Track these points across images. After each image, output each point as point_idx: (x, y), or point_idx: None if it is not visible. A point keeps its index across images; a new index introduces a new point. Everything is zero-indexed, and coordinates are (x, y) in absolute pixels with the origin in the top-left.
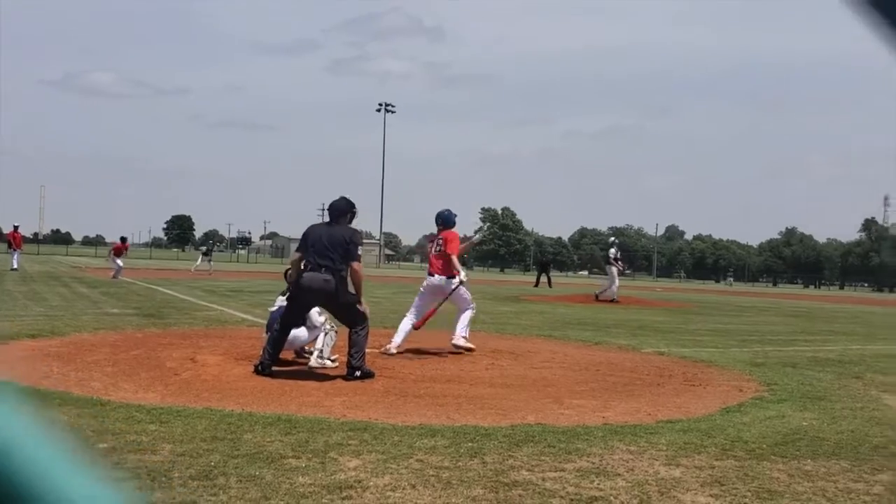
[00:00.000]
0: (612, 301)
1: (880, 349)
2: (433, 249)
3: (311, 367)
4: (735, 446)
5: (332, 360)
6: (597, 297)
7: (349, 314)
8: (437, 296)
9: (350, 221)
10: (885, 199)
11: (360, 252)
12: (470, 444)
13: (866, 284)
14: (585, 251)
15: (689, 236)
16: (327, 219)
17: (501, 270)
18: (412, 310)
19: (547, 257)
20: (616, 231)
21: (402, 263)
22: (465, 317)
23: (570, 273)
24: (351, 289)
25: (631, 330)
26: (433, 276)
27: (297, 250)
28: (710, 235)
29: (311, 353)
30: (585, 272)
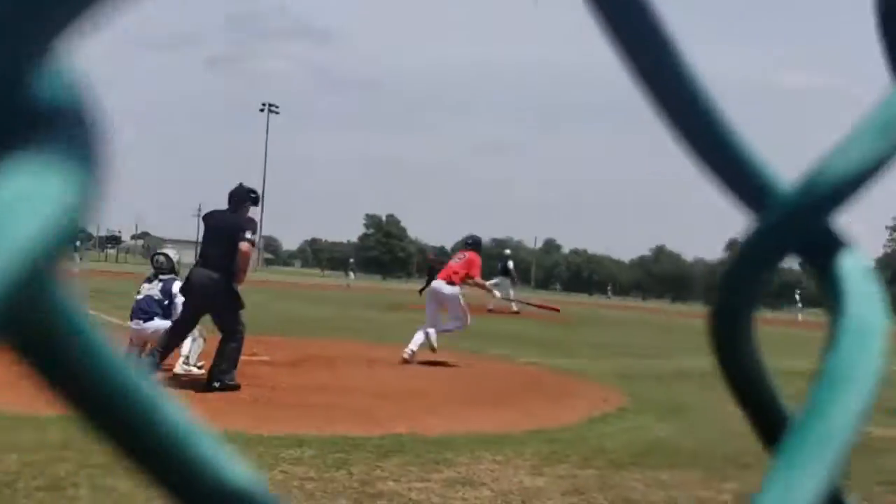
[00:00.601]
0: (514, 312)
1: None
2: (455, 259)
3: (175, 374)
4: (597, 456)
5: (199, 367)
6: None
7: (226, 320)
8: (439, 300)
9: (249, 210)
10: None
11: (250, 236)
12: (338, 454)
13: None
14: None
15: (566, 250)
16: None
17: (383, 278)
18: (427, 319)
19: (436, 264)
20: (498, 242)
21: (282, 268)
22: (448, 326)
23: None
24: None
25: (506, 340)
26: (436, 280)
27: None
28: (585, 250)
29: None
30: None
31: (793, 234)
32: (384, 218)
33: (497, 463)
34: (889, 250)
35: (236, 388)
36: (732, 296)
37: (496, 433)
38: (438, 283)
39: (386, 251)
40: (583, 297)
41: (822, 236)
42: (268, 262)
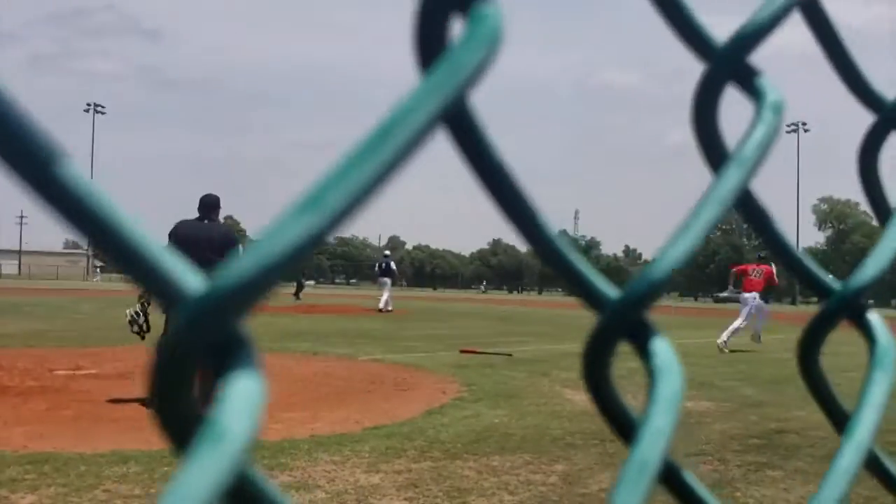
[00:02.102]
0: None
1: (566, 348)
2: (752, 274)
3: None
4: (433, 447)
5: None
6: (385, 309)
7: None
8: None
9: (218, 217)
10: (576, 213)
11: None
12: (166, 468)
13: (560, 290)
14: (312, 261)
15: (409, 246)
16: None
17: None
18: (742, 320)
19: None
20: (341, 241)
21: (113, 276)
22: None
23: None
24: None
25: (350, 338)
26: (750, 293)
27: None
28: (427, 245)
29: None
30: (313, 282)
31: (619, 328)
32: (222, 220)
33: (334, 463)
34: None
35: None
36: (592, 363)
37: (335, 433)
38: (752, 295)
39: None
40: (427, 291)
41: (641, 324)
42: (103, 270)
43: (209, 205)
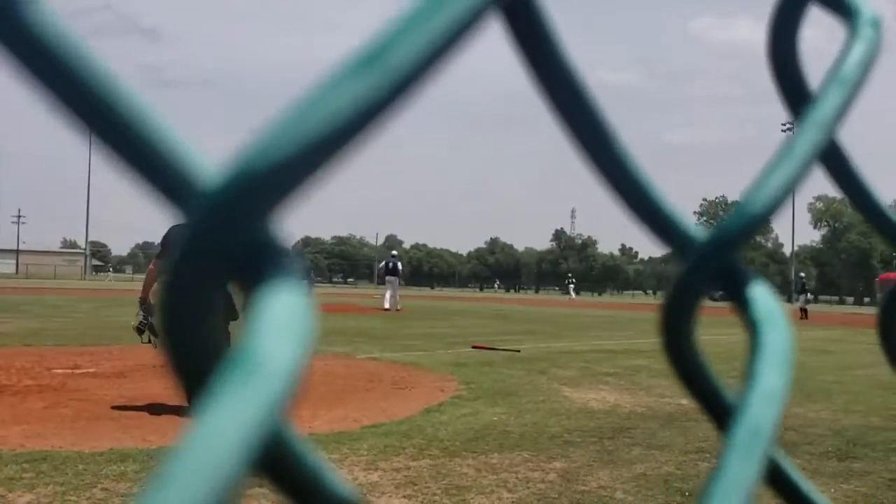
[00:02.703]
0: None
1: (563, 346)
2: None
3: None
4: (431, 445)
5: None
6: (394, 309)
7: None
8: None
9: None
10: (573, 211)
11: None
12: None
13: (557, 288)
14: (309, 260)
15: (407, 245)
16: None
17: None
18: None
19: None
20: (339, 240)
21: (111, 275)
22: None
23: None
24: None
25: (348, 337)
26: None
27: (159, 257)
28: (425, 245)
29: None
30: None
31: (708, 270)
32: None
33: (332, 461)
34: None
35: None
36: (672, 317)
37: (333, 431)
38: None
39: None
40: (425, 290)
41: (733, 270)
42: (97, 269)
43: None
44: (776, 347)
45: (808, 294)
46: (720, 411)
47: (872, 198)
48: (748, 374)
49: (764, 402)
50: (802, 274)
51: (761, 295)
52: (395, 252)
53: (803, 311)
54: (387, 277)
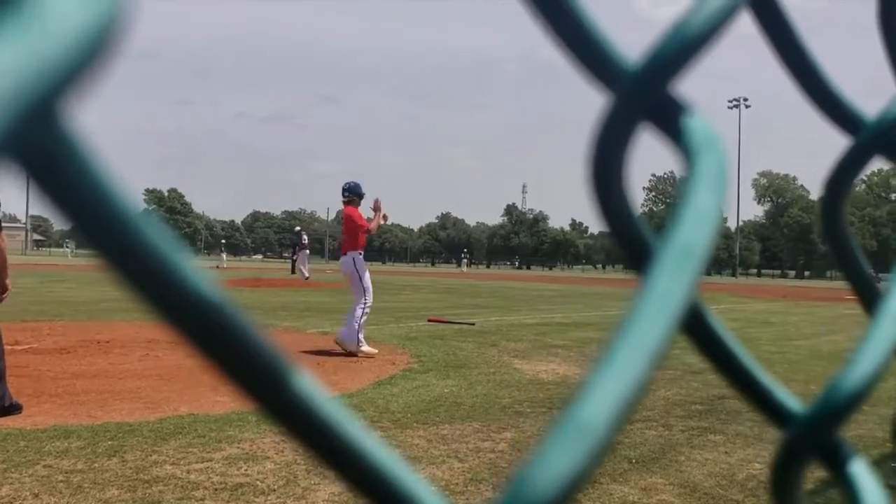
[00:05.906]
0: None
1: (514, 319)
2: None
3: None
4: (383, 417)
5: None
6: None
7: None
8: None
9: None
10: (524, 186)
11: None
12: (110, 442)
13: (508, 263)
14: (259, 234)
15: None
16: None
17: None
18: None
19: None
20: (289, 215)
21: (52, 250)
22: None
23: (243, 257)
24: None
25: (298, 312)
26: None
27: None
28: None
29: None
30: (260, 256)
31: (641, 101)
32: (166, 193)
33: (283, 435)
34: (646, 209)
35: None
36: (605, 149)
37: None
38: None
39: (170, 227)
40: (377, 265)
41: (667, 102)
42: (38, 243)
43: None
44: (710, 170)
45: None
46: (640, 251)
47: (817, 72)
48: (681, 196)
49: (697, 222)
50: None
51: (698, 123)
52: (298, 227)
53: None
54: (304, 252)
